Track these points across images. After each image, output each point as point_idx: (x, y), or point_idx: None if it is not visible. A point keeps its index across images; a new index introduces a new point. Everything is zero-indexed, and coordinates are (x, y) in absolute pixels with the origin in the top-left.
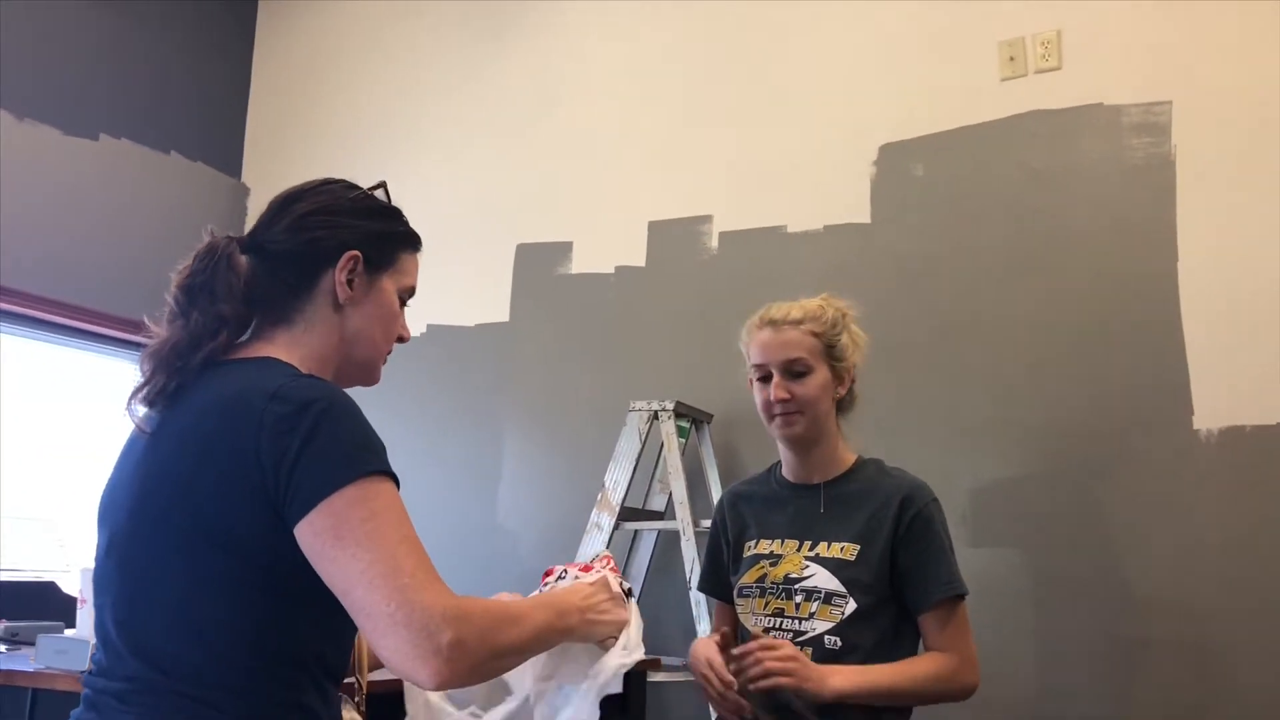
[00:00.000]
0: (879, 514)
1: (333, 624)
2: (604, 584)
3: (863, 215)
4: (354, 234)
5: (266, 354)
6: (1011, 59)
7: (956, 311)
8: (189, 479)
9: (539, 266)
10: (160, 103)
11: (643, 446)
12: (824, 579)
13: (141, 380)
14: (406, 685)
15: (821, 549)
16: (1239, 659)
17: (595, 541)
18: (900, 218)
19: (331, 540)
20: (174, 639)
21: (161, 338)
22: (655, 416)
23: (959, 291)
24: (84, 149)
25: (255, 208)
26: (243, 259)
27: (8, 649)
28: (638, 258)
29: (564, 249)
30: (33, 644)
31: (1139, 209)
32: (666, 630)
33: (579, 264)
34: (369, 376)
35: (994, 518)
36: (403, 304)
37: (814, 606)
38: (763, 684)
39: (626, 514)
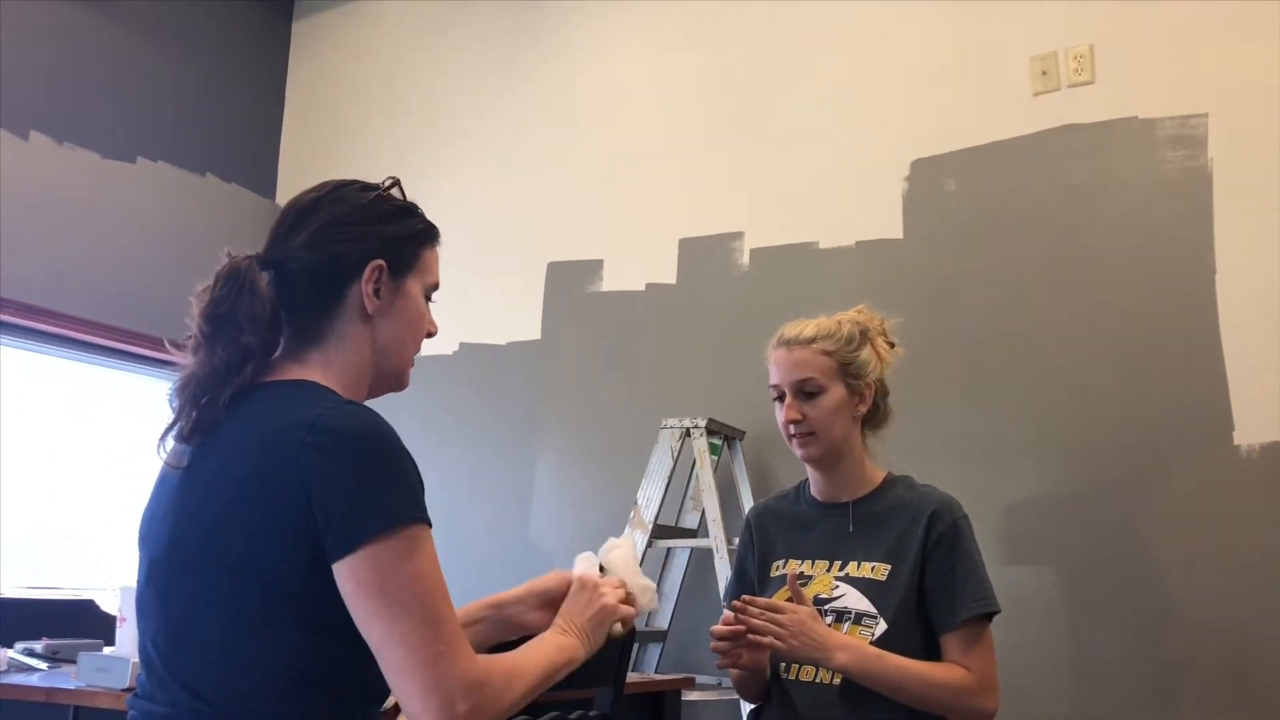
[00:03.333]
0: (908, 531)
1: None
2: (584, 583)
3: (895, 231)
4: (375, 242)
5: (300, 376)
6: (1044, 73)
7: (990, 328)
8: (227, 517)
9: (570, 284)
10: (196, 126)
11: (675, 464)
12: (854, 599)
13: (173, 416)
14: None
15: (851, 569)
16: None
17: None
18: (932, 233)
19: (376, 593)
20: (214, 673)
21: (188, 371)
22: (687, 434)
23: (993, 307)
24: (122, 172)
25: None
26: (264, 278)
27: (49, 667)
28: (668, 275)
29: (595, 267)
30: (73, 661)
31: (1175, 223)
32: (700, 648)
33: (610, 282)
34: (400, 383)
35: (1029, 535)
36: (428, 299)
37: (845, 627)
38: (760, 640)
39: (659, 531)
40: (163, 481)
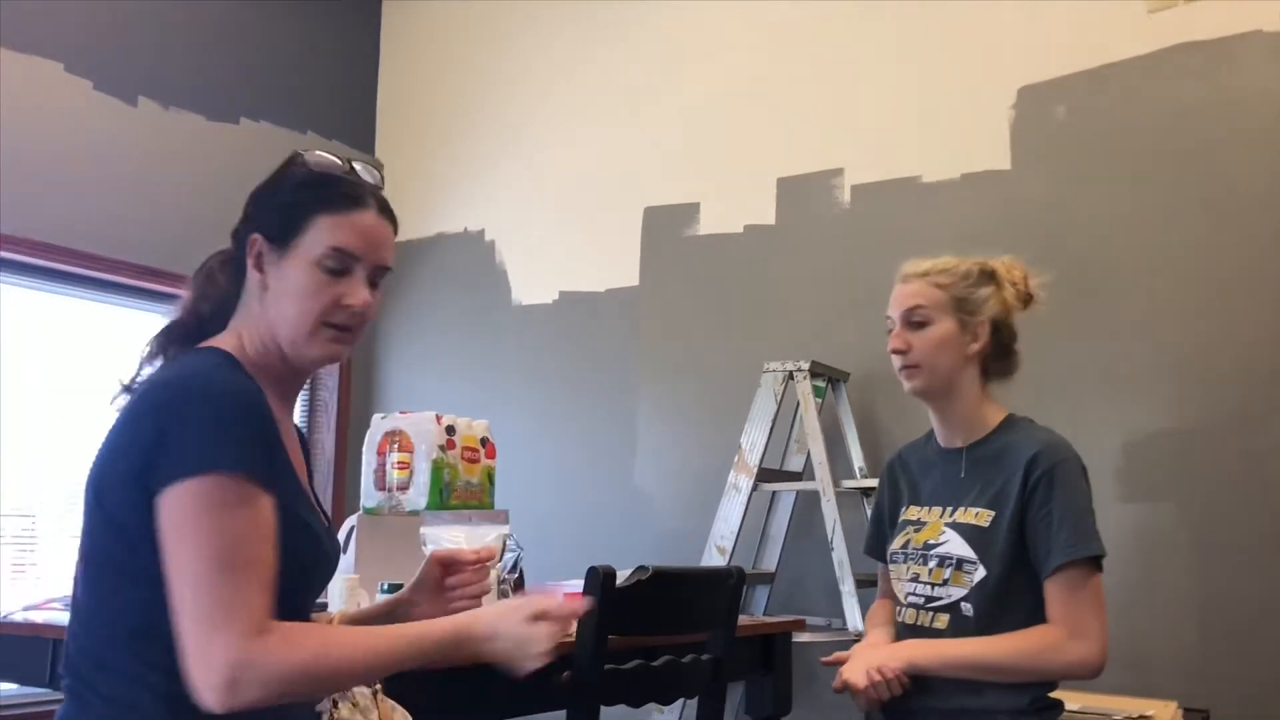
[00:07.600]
0: (1012, 477)
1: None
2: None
3: (1002, 162)
4: (260, 217)
5: (213, 344)
6: None
7: (1105, 260)
8: (103, 465)
9: (667, 229)
10: (295, 85)
11: (778, 407)
12: (957, 545)
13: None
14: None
15: (960, 515)
16: None
17: (733, 503)
18: (1043, 163)
19: (173, 536)
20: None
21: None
22: (790, 377)
23: (1108, 239)
24: (226, 133)
25: (389, 181)
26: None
27: None
28: (767, 216)
29: (692, 210)
30: None
31: None
32: (809, 591)
33: (707, 225)
34: (292, 359)
35: (1148, 471)
36: (343, 270)
37: (947, 573)
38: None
39: (764, 475)
40: None
